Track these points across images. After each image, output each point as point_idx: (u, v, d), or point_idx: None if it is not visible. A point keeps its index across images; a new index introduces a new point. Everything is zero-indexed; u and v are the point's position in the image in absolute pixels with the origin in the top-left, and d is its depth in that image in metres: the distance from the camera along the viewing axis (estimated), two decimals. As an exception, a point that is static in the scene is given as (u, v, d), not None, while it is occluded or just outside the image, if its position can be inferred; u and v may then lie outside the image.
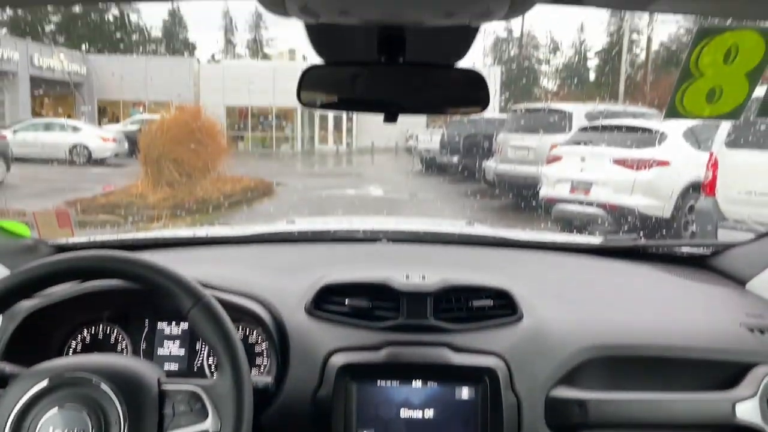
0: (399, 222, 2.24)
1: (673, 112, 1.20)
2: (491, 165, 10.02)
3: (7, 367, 1.00)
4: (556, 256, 1.56)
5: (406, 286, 1.13)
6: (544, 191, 7.67)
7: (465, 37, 1.00)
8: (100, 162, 15.34)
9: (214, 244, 1.61)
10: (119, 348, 1.25)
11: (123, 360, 0.92)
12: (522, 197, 8.97)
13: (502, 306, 1.16)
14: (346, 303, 1.14)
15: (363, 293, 1.15)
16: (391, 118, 1.02)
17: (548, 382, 1.09)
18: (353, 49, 1.03)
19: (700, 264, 1.55)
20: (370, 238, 1.60)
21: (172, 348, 1.26)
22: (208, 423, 0.85)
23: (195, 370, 1.24)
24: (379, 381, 1.06)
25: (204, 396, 0.87)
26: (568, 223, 7.33)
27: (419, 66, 1.01)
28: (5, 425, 0.83)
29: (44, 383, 0.85)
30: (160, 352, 1.26)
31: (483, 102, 1.01)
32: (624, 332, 1.19)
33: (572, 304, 1.26)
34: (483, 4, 0.76)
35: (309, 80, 1.02)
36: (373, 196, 10.47)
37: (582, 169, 7.22)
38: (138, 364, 0.92)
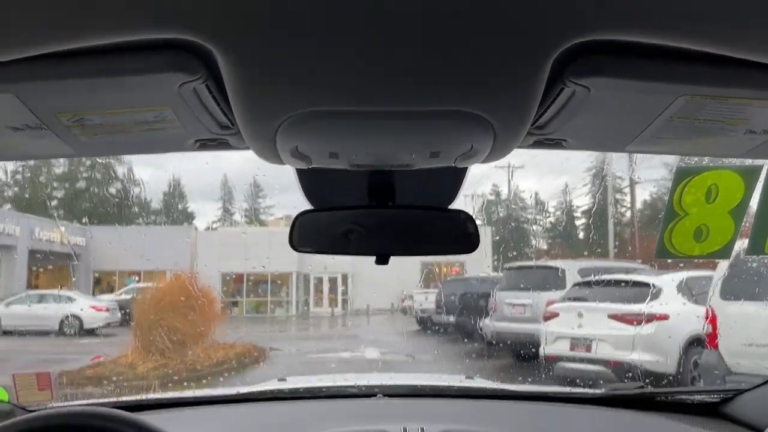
0: (395, 377, 2.17)
1: (663, 252, 1.21)
2: (489, 324, 9.90)
3: None
4: (559, 408, 1.49)
5: None
6: (545, 349, 7.51)
7: (453, 180, 1.03)
8: (91, 332, 15.07)
9: (200, 404, 1.52)
10: None
11: None
12: (522, 356, 8.75)
13: None
14: None
15: None
16: (382, 260, 1.01)
17: None
18: (344, 194, 1.05)
19: (711, 413, 1.47)
20: (365, 393, 1.53)
21: None
22: None
23: None
24: None
25: None
26: (572, 382, 7.09)
27: (409, 209, 1.03)
28: None
29: None
30: None
31: (473, 243, 1.01)
32: None
33: None
34: (467, 142, 0.78)
35: (301, 226, 1.03)
36: (369, 358, 10.19)
37: (580, 325, 7.14)
38: None
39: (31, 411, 1.46)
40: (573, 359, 7.03)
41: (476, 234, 1.01)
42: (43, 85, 0.70)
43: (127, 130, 0.84)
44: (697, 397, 1.52)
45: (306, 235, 1.03)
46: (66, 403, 1.56)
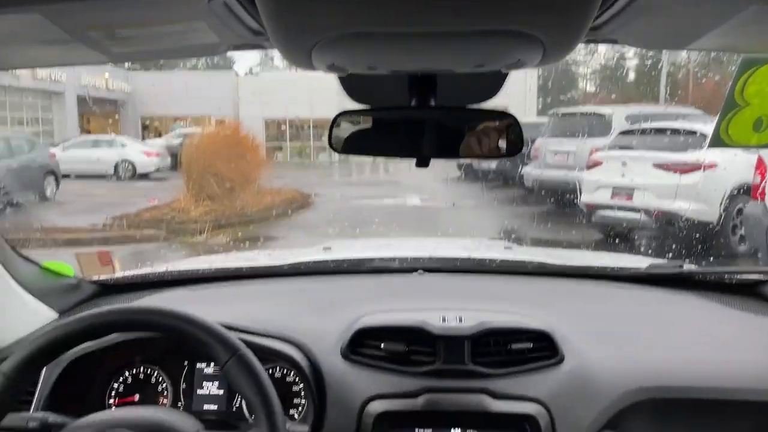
0: (437, 245, 2.22)
1: (717, 142, 1.16)
2: (530, 171, 9.90)
3: (51, 417, 1.02)
4: (600, 286, 1.52)
5: (443, 330, 1.11)
6: (585, 197, 7.53)
7: (497, 79, 0.98)
8: (144, 176, 15.70)
9: (249, 278, 1.62)
10: (159, 389, 1.26)
11: (162, 414, 0.92)
12: (562, 203, 8.82)
13: (542, 348, 1.13)
14: (382, 347, 1.13)
15: (399, 337, 1.13)
16: (422, 163, 1.00)
17: (592, 429, 1.06)
18: (384, 93, 1.02)
19: (753, 292, 1.47)
20: (406, 268, 1.59)
21: (211, 388, 1.27)
22: None
23: (234, 409, 1.24)
24: (417, 429, 1.05)
25: None
26: (610, 229, 7.18)
27: (451, 110, 0.99)
28: None
29: None
30: (200, 392, 1.27)
31: (516, 146, 0.99)
32: (673, 372, 1.15)
33: (617, 341, 1.22)
34: (513, 56, 0.74)
35: (340, 125, 1.02)
36: (411, 205, 10.43)
37: (623, 174, 7.06)
38: (176, 417, 0.92)
39: (97, 282, 1.58)
40: (613, 207, 7.05)
41: (520, 136, 0.98)
42: (71, 4, 0.67)
43: (158, 41, 0.81)
44: (738, 277, 1.52)
45: (345, 136, 1.02)
46: (129, 272, 1.67)
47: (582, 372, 1.12)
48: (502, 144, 1.00)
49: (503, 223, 8.34)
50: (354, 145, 1.04)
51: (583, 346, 1.17)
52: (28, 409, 1.13)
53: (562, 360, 1.12)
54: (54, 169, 11.80)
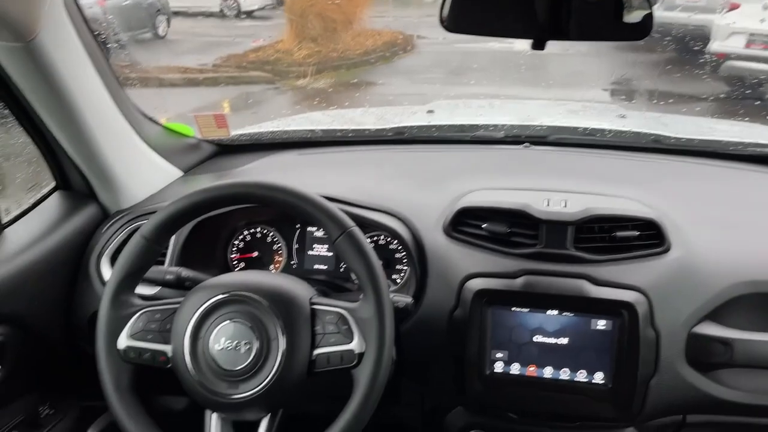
0: (543, 108, 2.14)
1: None
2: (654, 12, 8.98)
3: (183, 272, 1.15)
4: (721, 167, 1.43)
5: (547, 215, 1.11)
6: (715, 45, 6.81)
7: None
8: (249, 14, 15.67)
9: (355, 143, 1.65)
10: (275, 248, 1.37)
11: (282, 280, 1.01)
12: (686, 50, 8.05)
13: (648, 237, 1.11)
14: (484, 227, 1.15)
15: (501, 218, 1.15)
16: (538, 45, 0.94)
17: (692, 319, 1.06)
18: None
19: None
20: (512, 140, 1.56)
21: (321, 250, 1.36)
22: (354, 344, 0.93)
23: (341, 270, 1.34)
24: (514, 307, 1.09)
25: (350, 319, 0.95)
26: (740, 82, 6.55)
27: None
28: (188, 328, 0.96)
29: (219, 297, 0.97)
30: (310, 253, 1.37)
31: (645, 27, 0.90)
32: None
33: (730, 231, 1.17)
34: None
35: (452, 3, 0.96)
36: (517, 49, 9.88)
37: (763, 20, 6.28)
38: (294, 284, 1.01)
39: (214, 142, 1.68)
40: (745, 57, 6.37)
41: (650, 17, 0.89)
42: None
43: None
44: None
45: (457, 13, 0.96)
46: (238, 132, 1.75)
47: (688, 262, 1.10)
48: (629, 25, 0.91)
49: (618, 72, 7.78)
50: (466, 23, 0.99)
51: (692, 235, 1.13)
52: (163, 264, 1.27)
53: (668, 249, 1.10)
54: (165, 8, 11.99)
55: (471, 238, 1.16)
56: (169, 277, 1.14)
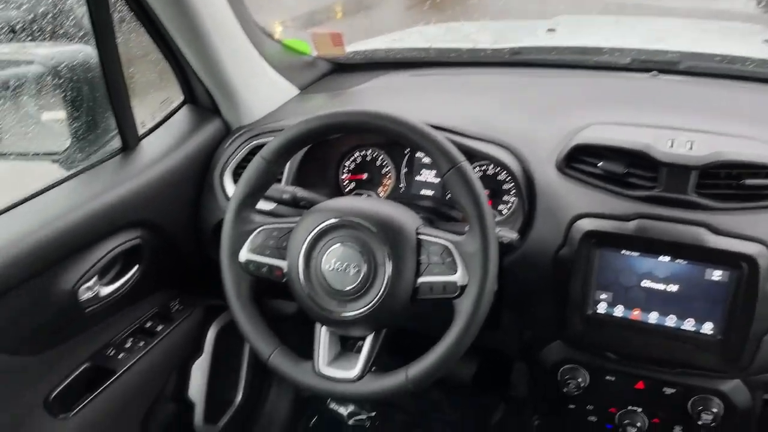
0: (675, 28, 1.96)
1: None
2: None
3: (299, 192, 1.21)
4: None
5: (669, 157, 1.05)
6: None
7: None
8: None
9: (469, 65, 1.61)
10: (384, 171, 1.40)
11: (391, 209, 1.04)
12: None
13: None
14: (599, 165, 1.11)
15: (619, 157, 1.10)
16: None
17: None
18: None
19: None
20: (639, 67, 1.46)
21: (428, 176, 1.38)
22: (457, 276, 0.96)
23: (448, 197, 1.35)
24: (624, 250, 1.07)
25: (454, 251, 0.97)
26: None
27: None
28: (302, 248, 1.03)
29: (332, 221, 1.02)
30: (418, 178, 1.39)
31: None
32: None
33: None
34: None
35: None
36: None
37: None
38: (403, 214, 1.04)
39: (330, 60, 1.69)
40: None
41: None
42: None
43: None
44: None
45: None
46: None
47: None
48: None
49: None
50: None
51: None
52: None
53: None
54: None
55: (584, 176, 1.12)
56: (285, 195, 1.20)
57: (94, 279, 1.23)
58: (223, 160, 1.42)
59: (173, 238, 1.41)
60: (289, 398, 1.93)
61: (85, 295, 1.21)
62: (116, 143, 1.35)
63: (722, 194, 1.04)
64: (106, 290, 1.27)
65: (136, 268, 1.33)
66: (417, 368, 0.96)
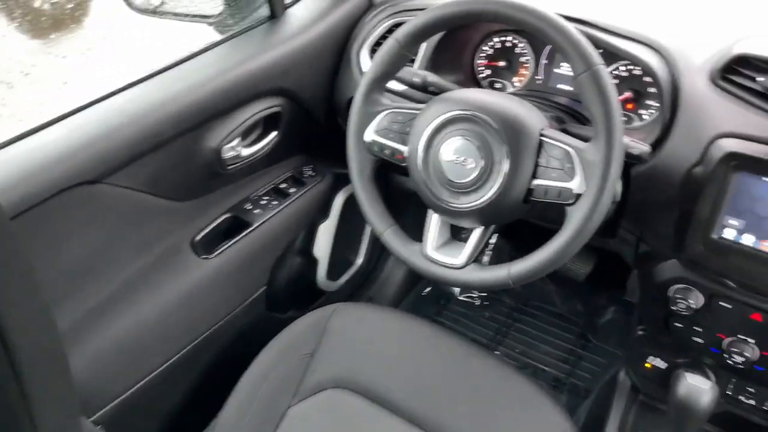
0: None
1: None
2: None
3: (430, 77, 1.21)
4: None
5: None
6: None
7: None
8: None
9: None
10: (522, 59, 1.35)
11: (517, 106, 1.02)
12: None
13: None
14: (758, 80, 0.99)
15: None
16: None
17: None
18: None
19: None
20: None
21: (569, 70, 1.31)
22: (574, 183, 0.94)
23: None
24: (764, 178, 0.98)
25: (575, 158, 0.95)
26: None
27: None
28: (423, 136, 1.05)
29: (455, 112, 1.02)
30: (557, 70, 1.33)
31: None
32: None
33: None
34: None
35: None
36: None
37: None
38: (528, 113, 1.01)
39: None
40: None
41: None
42: None
43: None
44: None
45: None
46: None
47: None
48: None
49: None
50: None
51: None
52: None
53: None
54: None
55: (739, 91, 1.02)
56: (416, 79, 1.21)
57: (237, 140, 1.34)
58: (362, 35, 1.43)
59: (310, 108, 1.49)
60: (405, 267, 2.05)
61: (228, 153, 1.33)
62: (264, 11, 1.41)
63: None
64: (246, 151, 1.38)
65: (274, 133, 1.43)
66: (519, 267, 0.99)
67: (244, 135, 1.37)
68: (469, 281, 1.05)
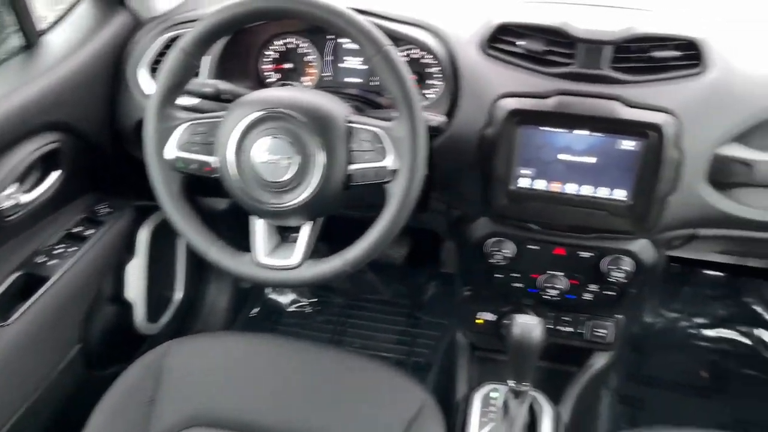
0: None
1: None
2: None
3: (221, 84, 1.18)
4: None
5: (586, 33, 1.07)
6: None
7: None
8: None
9: None
10: (307, 59, 1.38)
11: (320, 98, 1.03)
12: None
13: (688, 57, 1.08)
14: (520, 44, 1.13)
15: (538, 35, 1.12)
16: None
17: (719, 141, 1.08)
18: None
19: None
20: None
21: (354, 63, 1.36)
22: (388, 161, 0.98)
23: (371, 84, 1.35)
24: (543, 127, 1.11)
25: (384, 137, 0.99)
26: None
27: None
28: (231, 142, 1.01)
29: (260, 113, 1.00)
30: (343, 65, 1.37)
31: None
32: None
33: None
34: None
35: None
36: None
37: None
38: (332, 103, 1.03)
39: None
40: None
41: None
42: None
43: None
44: None
45: None
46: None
47: (724, 83, 1.08)
48: None
49: None
50: None
51: (732, 56, 1.11)
52: None
53: (705, 71, 1.08)
54: None
55: (506, 56, 1.14)
56: (207, 89, 1.17)
57: (14, 186, 1.18)
58: (136, 55, 1.35)
59: (92, 140, 1.36)
60: (228, 291, 1.97)
61: (4, 203, 1.17)
62: (15, 41, 1.26)
63: (633, 68, 1.09)
64: (26, 198, 1.22)
65: (57, 173, 1.28)
66: (354, 251, 1.01)
67: (21, 179, 1.21)
68: (308, 278, 1.04)
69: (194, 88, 1.17)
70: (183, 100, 1.22)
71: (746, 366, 1.96)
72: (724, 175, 1.10)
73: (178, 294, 1.77)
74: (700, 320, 2.09)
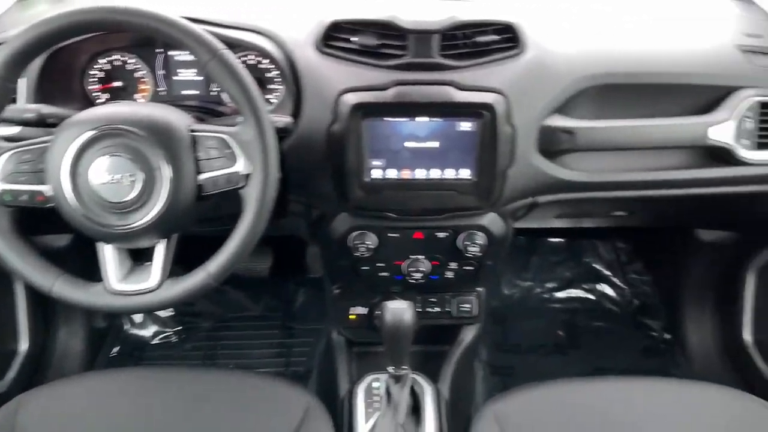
0: None
1: None
2: None
3: (44, 108, 1.09)
4: None
5: (414, 24, 1.13)
6: None
7: None
8: None
9: None
10: (138, 75, 1.31)
11: (156, 110, 0.99)
12: None
13: (506, 40, 1.18)
14: (353, 40, 1.16)
15: (370, 30, 1.16)
16: None
17: (543, 113, 1.19)
18: None
19: None
20: None
21: (188, 74, 1.32)
22: (239, 166, 0.96)
23: (212, 93, 1.32)
24: (387, 117, 1.15)
25: (231, 142, 0.97)
26: None
27: None
28: (64, 166, 0.94)
29: (91, 132, 0.94)
30: (177, 78, 1.32)
31: None
32: (621, 60, 1.24)
33: (579, 32, 1.28)
34: None
35: None
36: None
37: None
38: (170, 113, 1.00)
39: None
40: None
41: None
42: None
43: None
44: None
45: None
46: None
47: (540, 61, 1.19)
48: None
49: None
50: None
51: (545, 36, 1.22)
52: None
53: (523, 51, 1.18)
54: None
55: (342, 53, 1.17)
56: (28, 115, 1.08)
57: None
58: None
59: None
60: (81, 334, 1.82)
61: None
62: None
63: (462, 53, 1.16)
64: None
65: None
66: (217, 262, 0.98)
67: None
68: (170, 298, 0.99)
69: (14, 116, 1.07)
70: (2, 130, 1.12)
71: (594, 319, 2.16)
72: (552, 143, 1.21)
73: (23, 345, 1.60)
74: (550, 285, 2.28)
